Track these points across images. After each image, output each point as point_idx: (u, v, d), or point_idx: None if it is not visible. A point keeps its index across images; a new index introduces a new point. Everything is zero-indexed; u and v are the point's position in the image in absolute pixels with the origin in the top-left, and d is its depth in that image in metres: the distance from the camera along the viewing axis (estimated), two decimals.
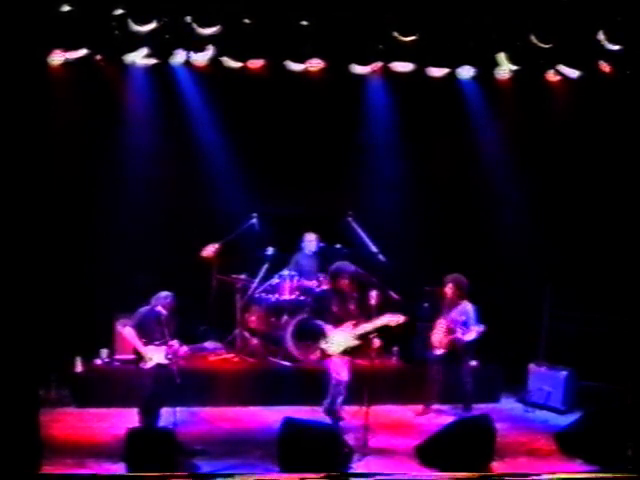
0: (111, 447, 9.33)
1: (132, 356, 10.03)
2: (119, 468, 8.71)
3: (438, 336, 10.97)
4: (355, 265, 10.66)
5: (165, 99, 12.54)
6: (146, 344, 9.73)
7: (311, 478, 8.29)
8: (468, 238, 12.97)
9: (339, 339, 9.98)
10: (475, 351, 11.16)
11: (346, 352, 10.07)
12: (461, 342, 10.85)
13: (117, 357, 11.58)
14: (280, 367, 11.80)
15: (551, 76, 12.50)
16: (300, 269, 12.37)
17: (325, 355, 10.09)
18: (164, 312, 9.79)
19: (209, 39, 11.28)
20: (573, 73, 12.15)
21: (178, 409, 9.62)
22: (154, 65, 12.18)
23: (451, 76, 12.61)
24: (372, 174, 13.04)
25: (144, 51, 11.63)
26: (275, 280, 12.26)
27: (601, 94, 12.24)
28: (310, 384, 11.18)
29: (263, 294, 12.32)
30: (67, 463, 8.93)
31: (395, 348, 11.99)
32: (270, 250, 12.26)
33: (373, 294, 9.96)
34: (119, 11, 10.70)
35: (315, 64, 12.17)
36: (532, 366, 11.91)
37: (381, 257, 11.90)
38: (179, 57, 12.00)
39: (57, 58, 11.58)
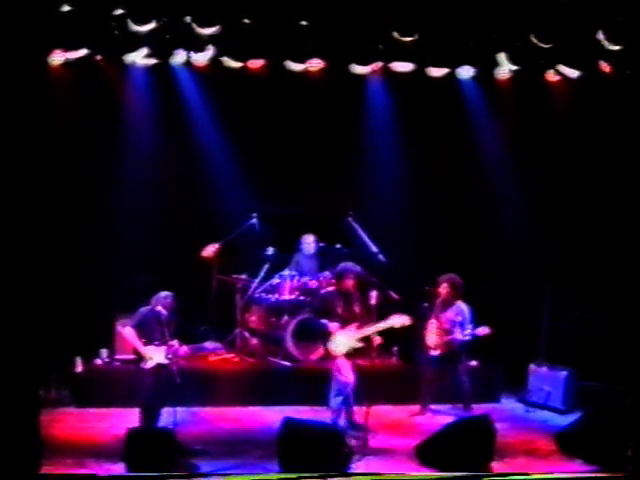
0: (111, 447, 9.33)
1: (132, 356, 10.04)
2: (119, 468, 8.70)
3: (433, 337, 10.95)
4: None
5: (165, 99, 12.54)
6: (146, 344, 9.73)
7: (311, 478, 8.30)
8: (468, 238, 12.97)
9: (344, 341, 9.93)
10: (471, 351, 11.16)
11: (350, 354, 10.03)
12: (458, 342, 10.85)
13: (117, 357, 11.59)
14: (280, 367, 11.80)
15: (551, 76, 12.50)
16: (300, 269, 12.38)
17: (331, 357, 10.00)
18: (164, 312, 9.79)
19: (209, 39, 11.27)
20: (573, 73, 12.14)
21: (178, 409, 9.61)
22: (154, 65, 12.19)
23: (451, 76, 12.60)
24: (372, 174, 13.04)
25: (144, 51, 11.62)
26: (275, 280, 12.27)
27: (601, 94, 12.24)
28: (310, 384, 11.19)
29: (263, 294, 12.32)
30: (67, 463, 8.93)
31: (395, 348, 11.99)
32: (270, 250, 12.27)
33: (373, 294, 9.96)
34: (119, 11, 10.70)
35: (315, 64, 12.17)
36: (532, 366, 11.91)
37: (381, 257, 11.89)
38: (179, 57, 11.99)
39: (57, 58, 11.58)
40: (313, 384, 11.09)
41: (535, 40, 11.29)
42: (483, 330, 10.76)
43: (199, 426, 10.42)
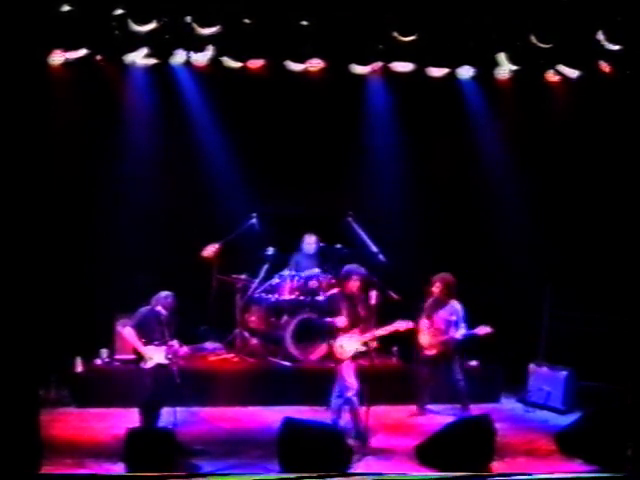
0: (111, 447, 9.32)
1: (132, 356, 10.03)
2: (119, 468, 8.70)
3: (426, 337, 10.94)
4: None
5: (165, 99, 12.54)
6: (146, 344, 9.73)
7: (311, 478, 8.30)
8: (468, 238, 12.97)
9: (349, 344, 9.89)
10: (466, 350, 11.16)
11: (355, 357, 9.98)
12: (455, 341, 10.85)
13: (117, 357, 11.58)
14: (280, 367, 11.80)
15: (551, 76, 12.50)
16: (300, 269, 12.37)
17: (336, 360, 9.96)
18: (164, 312, 9.79)
19: (209, 39, 11.28)
20: (573, 73, 12.15)
21: (178, 409, 9.63)
22: (154, 65, 12.19)
23: (451, 76, 12.61)
24: (372, 174, 13.04)
25: (144, 51, 11.63)
26: (275, 280, 12.27)
27: (601, 94, 12.24)
28: (310, 384, 11.20)
29: (263, 294, 12.32)
30: (67, 463, 8.93)
31: (395, 348, 11.99)
32: (270, 250, 12.26)
33: (373, 294, 9.94)
34: (119, 11, 10.70)
35: (315, 64, 12.17)
36: (532, 366, 11.91)
37: (381, 257, 11.89)
38: (179, 57, 12.00)
39: (57, 58, 11.58)
40: (313, 384, 11.10)
41: (535, 40, 11.29)
42: (484, 329, 10.75)
43: (199, 426, 10.41)
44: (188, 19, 10.93)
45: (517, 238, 12.87)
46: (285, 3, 10.95)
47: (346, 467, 8.82)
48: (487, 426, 9.21)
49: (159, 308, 9.80)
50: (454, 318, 10.88)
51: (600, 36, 11.23)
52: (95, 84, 12.13)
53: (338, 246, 12.27)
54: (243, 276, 12.36)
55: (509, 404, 11.87)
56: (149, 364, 9.70)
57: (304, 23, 11.04)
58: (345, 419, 9.96)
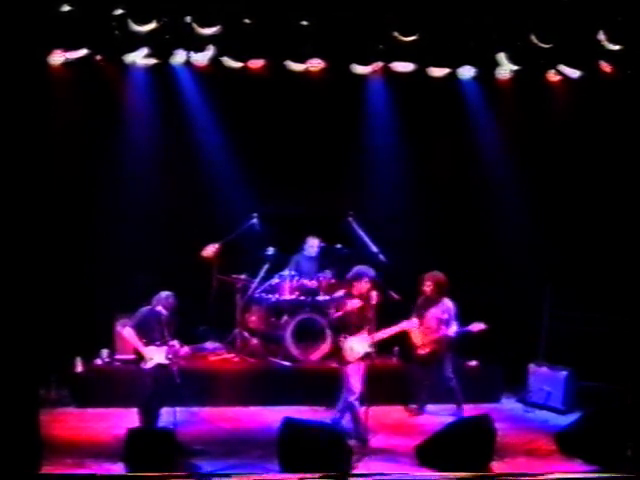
0: (111, 447, 9.33)
1: (132, 356, 10.04)
2: (119, 468, 8.71)
3: (419, 336, 10.94)
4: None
5: (165, 99, 12.54)
6: (146, 344, 9.72)
7: (311, 478, 8.30)
8: (468, 238, 12.97)
9: (358, 346, 9.87)
10: (458, 348, 11.15)
11: (363, 358, 9.95)
12: (447, 339, 10.84)
13: (117, 357, 11.59)
14: (280, 367, 11.79)
15: (551, 76, 12.50)
16: (300, 270, 12.37)
17: (345, 362, 9.91)
18: (164, 312, 9.79)
19: (209, 39, 11.28)
20: (573, 73, 12.15)
21: (178, 409, 9.61)
22: (154, 65, 12.19)
23: (451, 76, 12.60)
24: (372, 174, 13.04)
25: (144, 51, 11.64)
26: (275, 280, 12.26)
27: (601, 94, 12.24)
28: (310, 384, 11.21)
29: (263, 294, 12.32)
30: (67, 463, 8.93)
31: (395, 348, 11.98)
32: (270, 250, 12.25)
33: (373, 294, 9.94)
34: (119, 11, 10.71)
35: (315, 64, 12.18)
36: (532, 366, 11.90)
37: (381, 257, 11.88)
38: (179, 57, 12.00)
39: (57, 58, 11.59)
40: (313, 384, 11.11)
41: (535, 40, 11.29)
42: (478, 326, 10.75)
43: (199, 426, 10.42)
44: (188, 19, 10.93)
45: (517, 238, 12.86)
46: (285, 3, 10.95)
47: (346, 467, 8.82)
48: (487, 426, 9.21)
49: (159, 308, 9.80)
50: (446, 316, 10.89)
51: (601, 36, 11.23)
52: (95, 84, 12.13)
53: (338, 246, 12.27)
54: (243, 276, 12.35)
55: (509, 404, 11.86)
56: (149, 364, 9.70)
57: (304, 23, 11.04)
58: (346, 420, 9.97)
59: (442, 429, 9.35)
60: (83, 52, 11.52)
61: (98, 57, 11.70)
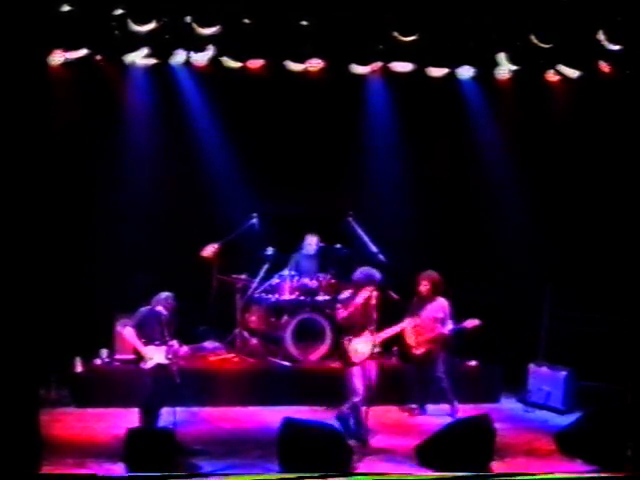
0: (111, 447, 9.32)
1: (132, 356, 10.03)
2: (119, 468, 8.70)
3: (414, 336, 10.92)
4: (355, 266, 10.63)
5: (165, 99, 12.54)
6: (146, 344, 9.72)
7: (311, 478, 8.30)
8: (468, 238, 12.97)
9: (363, 346, 9.86)
10: (453, 347, 11.16)
11: (368, 359, 9.93)
12: (443, 337, 10.84)
13: (117, 357, 11.58)
14: (280, 367, 11.79)
15: (551, 76, 12.51)
16: (299, 269, 12.37)
17: (350, 363, 9.89)
18: (164, 312, 9.78)
19: (209, 39, 11.29)
20: (573, 73, 12.16)
21: (178, 409, 9.61)
22: (154, 65, 12.20)
23: (451, 76, 12.62)
24: (372, 174, 13.04)
25: (144, 51, 11.65)
26: (275, 280, 12.26)
27: (601, 94, 12.25)
28: (310, 384, 11.20)
29: (263, 294, 12.32)
30: (67, 463, 8.92)
31: (395, 348, 11.97)
32: (270, 250, 12.25)
33: (374, 294, 9.93)
34: (119, 11, 10.72)
35: (315, 64, 12.19)
36: (532, 366, 11.90)
37: (381, 257, 11.88)
38: (179, 57, 12.01)
39: (57, 58, 11.59)
40: (313, 384, 11.11)
41: (535, 40, 11.31)
42: (472, 322, 10.74)
43: (199, 426, 10.41)
44: (188, 19, 10.94)
45: (517, 238, 12.87)
46: (285, 3, 10.96)
47: (346, 467, 8.82)
48: (487, 426, 9.21)
49: (159, 308, 9.80)
50: (441, 315, 10.90)
51: (600, 36, 11.24)
52: (95, 84, 12.14)
53: (338, 246, 12.28)
54: (243, 276, 12.35)
55: (509, 404, 11.86)
56: (149, 364, 9.69)
57: (304, 23, 11.05)
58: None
59: (442, 429, 9.34)
60: (83, 52, 11.53)
61: (98, 57, 11.71)
